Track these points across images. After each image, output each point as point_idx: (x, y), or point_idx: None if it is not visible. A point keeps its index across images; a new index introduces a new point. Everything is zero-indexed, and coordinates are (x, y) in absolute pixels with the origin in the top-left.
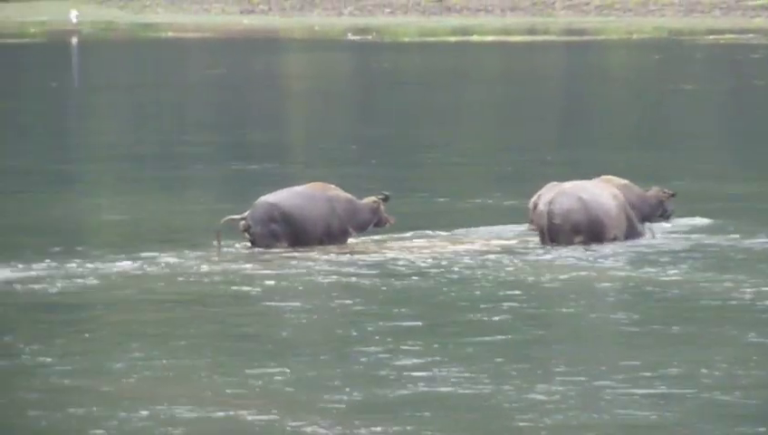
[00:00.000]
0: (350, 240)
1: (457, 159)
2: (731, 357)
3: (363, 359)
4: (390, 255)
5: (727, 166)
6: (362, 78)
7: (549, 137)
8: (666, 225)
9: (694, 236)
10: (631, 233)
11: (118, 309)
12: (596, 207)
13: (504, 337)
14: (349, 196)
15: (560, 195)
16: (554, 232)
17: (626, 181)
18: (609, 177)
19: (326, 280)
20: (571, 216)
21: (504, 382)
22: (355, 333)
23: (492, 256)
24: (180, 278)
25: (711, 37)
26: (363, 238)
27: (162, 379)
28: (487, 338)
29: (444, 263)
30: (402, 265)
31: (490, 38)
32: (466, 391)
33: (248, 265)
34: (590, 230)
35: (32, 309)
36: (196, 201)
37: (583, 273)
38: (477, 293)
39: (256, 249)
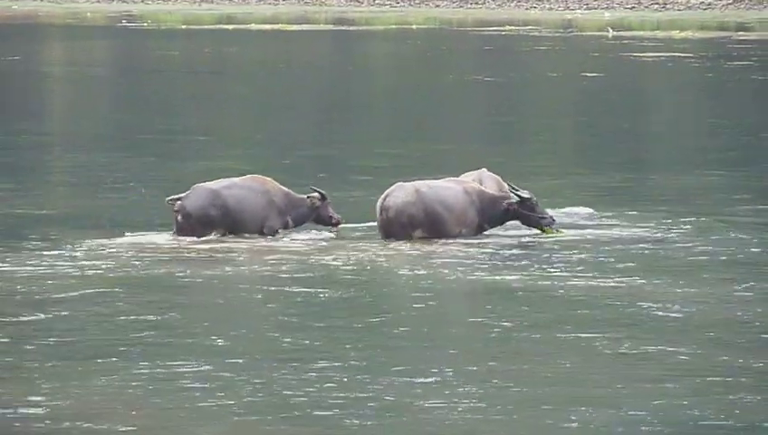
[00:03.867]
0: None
1: (227, 152)
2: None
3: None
4: (243, 258)
5: (544, 158)
6: (138, 65)
7: (317, 129)
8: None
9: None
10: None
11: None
12: (434, 200)
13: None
14: (286, 189)
15: (397, 188)
16: (389, 226)
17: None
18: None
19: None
20: (406, 209)
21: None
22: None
23: (328, 254)
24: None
25: (492, 29)
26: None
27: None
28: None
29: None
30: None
31: (267, 27)
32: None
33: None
34: (428, 224)
35: None
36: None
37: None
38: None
39: (187, 239)
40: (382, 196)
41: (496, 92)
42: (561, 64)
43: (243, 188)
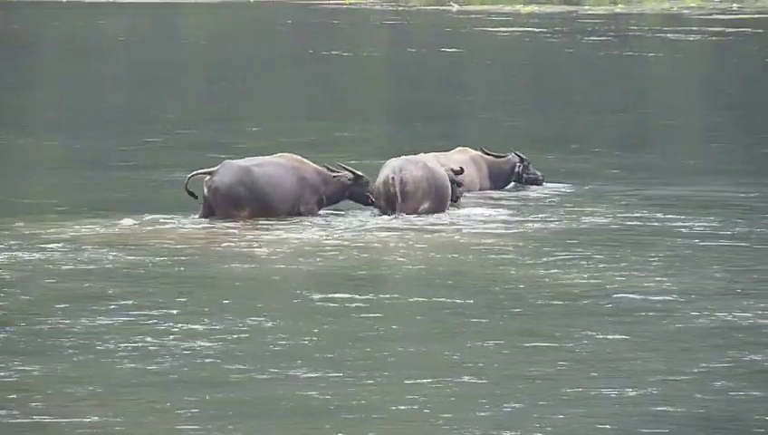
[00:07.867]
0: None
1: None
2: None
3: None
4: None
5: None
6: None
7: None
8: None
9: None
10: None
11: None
12: (440, 175)
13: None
14: (318, 167)
15: (407, 162)
16: (405, 199)
17: (478, 152)
18: (465, 148)
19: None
20: (421, 183)
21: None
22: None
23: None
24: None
25: (333, 3)
26: None
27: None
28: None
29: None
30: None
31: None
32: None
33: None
34: (437, 198)
35: None
36: None
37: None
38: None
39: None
40: (390, 169)
41: (361, 69)
42: (418, 40)
43: (276, 165)
